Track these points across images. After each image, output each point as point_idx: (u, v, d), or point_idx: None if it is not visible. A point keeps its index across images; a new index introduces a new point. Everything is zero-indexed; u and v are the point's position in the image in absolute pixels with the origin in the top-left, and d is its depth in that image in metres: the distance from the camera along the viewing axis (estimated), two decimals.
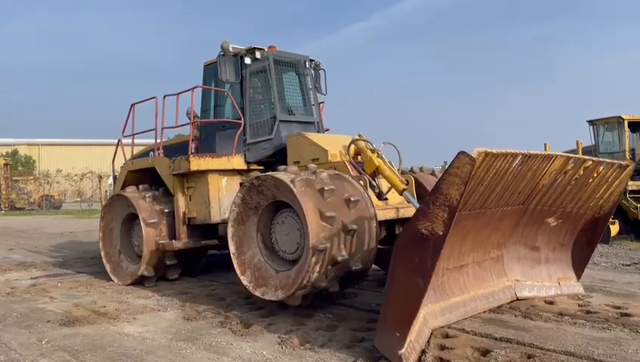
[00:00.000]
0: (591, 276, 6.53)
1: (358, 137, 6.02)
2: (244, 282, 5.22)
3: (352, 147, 5.98)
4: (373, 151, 5.82)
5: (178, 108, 7.19)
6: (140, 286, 6.87)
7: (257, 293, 5.11)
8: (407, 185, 5.57)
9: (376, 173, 5.71)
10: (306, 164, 5.65)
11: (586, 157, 4.70)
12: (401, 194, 5.49)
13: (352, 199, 4.89)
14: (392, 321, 3.68)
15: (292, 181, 4.78)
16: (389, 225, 5.76)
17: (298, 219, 4.97)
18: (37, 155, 48.56)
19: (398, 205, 5.71)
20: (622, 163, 4.92)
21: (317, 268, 4.66)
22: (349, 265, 4.88)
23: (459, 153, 3.36)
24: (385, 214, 5.47)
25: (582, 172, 4.67)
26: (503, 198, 4.34)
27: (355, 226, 4.78)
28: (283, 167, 5.32)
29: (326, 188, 4.81)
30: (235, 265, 5.28)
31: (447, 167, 3.54)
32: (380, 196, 5.69)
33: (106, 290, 6.71)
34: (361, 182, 5.38)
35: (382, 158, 5.75)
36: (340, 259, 4.72)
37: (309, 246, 4.56)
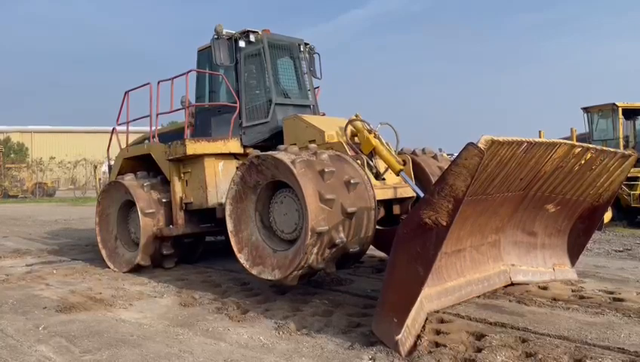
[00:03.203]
0: (584, 262, 6.59)
1: (354, 117, 6.00)
2: (241, 260, 5.20)
3: (349, 128, 5.96)
4: (370, 131, 5.80)
5: (172, 94, 7.14)
6: (135, 272, 6.87)
7: (254, 272, 5.09)
8: (404, 165, 5.58)
9: (373, 153, 5.71)
10: (302, 146, 5.64)
11: (590, 145, 4.68)
12: (398, 175, 5.51)
13: (352, 181, 4.88)
14: (391, 307, 3.71)
15: (292, 162, 4.75)
16: (386, 204, 5.79)
17: (297, 199, 4.97)
18: (30, 143, 48.21)
19: (396, 185, 5.73)
20: (625, 152, 4.90)
21: (315, 250, 4.67)
22: (346, 248, 4.89)
23: (467, 144, 3.32)
24: (383, 194, 5.49)
25: (584, 160, 4.66)
26: (505, 185, 4.36)
27: (354, 209, 4.78)
28: (283, 146, 5.28)
29: (326, 169, 4.79)
30: (233, 243, 5.27)
31: (453, 157, 3.51)
32: (378, 176, 5.70)
33: (102, 277, 6.71)
34: (358, 161, 5.38)
35: (379, 139, 5.74)
36: (338, 241, 4.72)
37: (307, 229, 4.56)
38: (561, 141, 4.37)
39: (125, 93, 7.98)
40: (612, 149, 4.91)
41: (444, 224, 3.45)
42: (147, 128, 7.71)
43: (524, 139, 3.88)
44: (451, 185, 3.40)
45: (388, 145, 5.87)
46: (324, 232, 4.60)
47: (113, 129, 8.37)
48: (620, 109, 13.27)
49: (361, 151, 5.75)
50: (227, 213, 5.32)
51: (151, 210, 6.83)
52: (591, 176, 4.91)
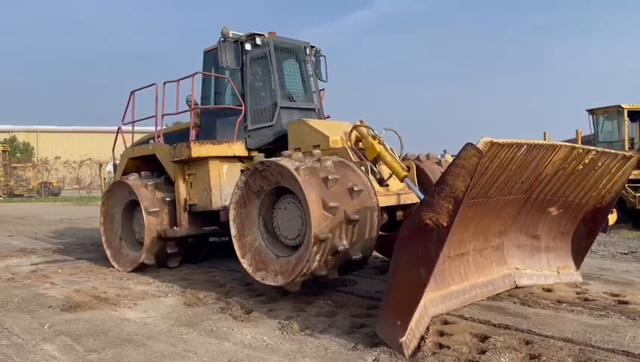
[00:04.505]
0: (589, 264, 6.57)
1: (359, 123, 6.01)
2: (244, 265, 5.21)
3: (354, 133, 5.97)
4: (374, 137, 5.82)
5: (178, 95, 7.17)
6: (140, 272, 6.89)
7: (257, 277, 5.11)
8: (408, 171, 5.59)
9: (377, 159, 5.72)
10: (306, 151, 5.64)
11: (591, 147, 4.67)
12: (402, 181, 5.51)
13: (355, 189, 4.87)
14: (394, 309, 3.71)
15: (296, 169, 4.76)
16: (390, 210, 5.78)
17: (300, 205, 4.97)
18: (35, 142, 48.42)
19: (400, 191, 5.72)
20: (626, 154, 4.89)
21: (317, 257, 4.67)
22: (349, 254, 4.89)
23: (466, 145, 3.33)
24: (386, 200, 5.48)
25: (586, 162, 4.65)
26: (506, 188, 4.35)
27: (357, 216, 4.78)
28: (287, 152, 5.29)
29: (330, 177, 4.79)
30: (236, 248, 5.28)
31: (453, 158, 3.52)
32: (382, 182, 5.71)
33: (107, 276, 6.74)
34: (362, 168, 5.39)
35: (383, 145, 5.76)
36: (340, 248, 4.73)
37: (310, 236, 4.56)
38: (562, 143, 4.37)
39: (131, 93, 8.03)
40: (613, 151, 4.90)
41: (445, 225, 3.45)
42: (152, 128, 7.75)
43: (523, 141, 3.87)
44: (451, 185, 3.41)
45: (392, 151, 5.87)
46: (326, 239, 4.61)
47: (118, 128, 8.41)
48: (626, 111, 13.22)
49: (365, 157, 5.76)
50: (231, 217, 5.34)
51: (155, 209, 6.86)
52: (593, 177, 4.90)
